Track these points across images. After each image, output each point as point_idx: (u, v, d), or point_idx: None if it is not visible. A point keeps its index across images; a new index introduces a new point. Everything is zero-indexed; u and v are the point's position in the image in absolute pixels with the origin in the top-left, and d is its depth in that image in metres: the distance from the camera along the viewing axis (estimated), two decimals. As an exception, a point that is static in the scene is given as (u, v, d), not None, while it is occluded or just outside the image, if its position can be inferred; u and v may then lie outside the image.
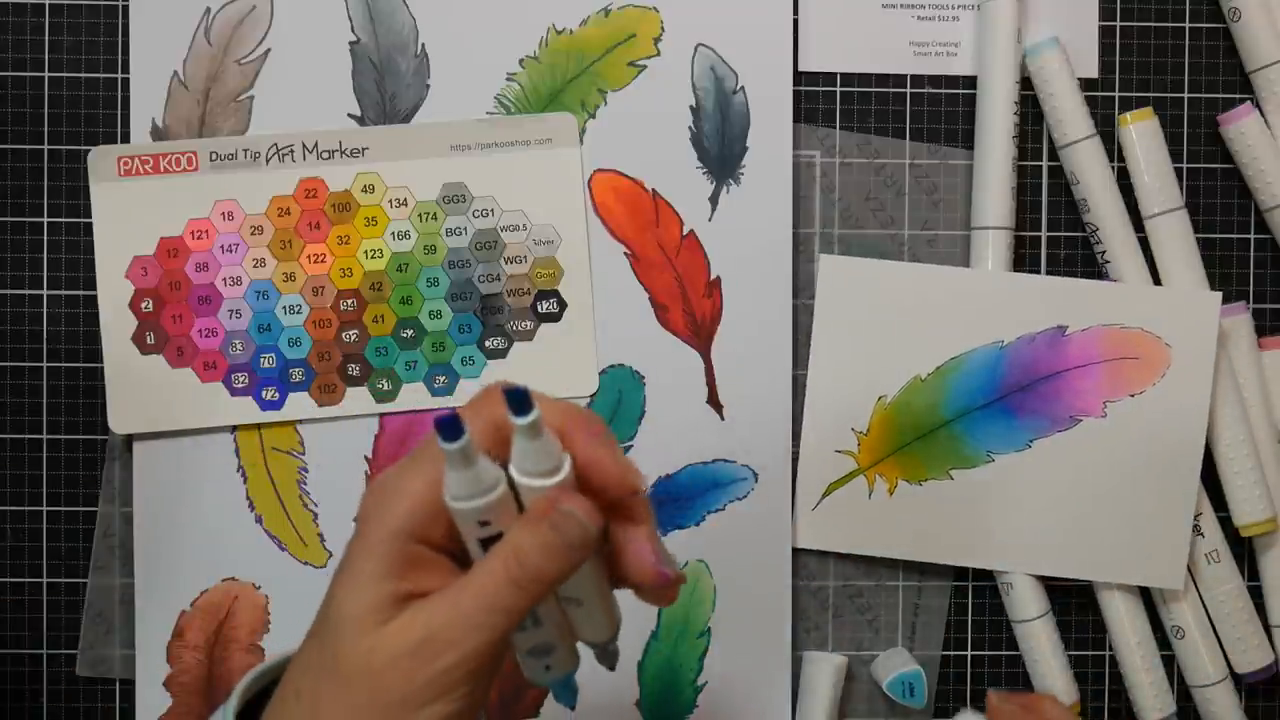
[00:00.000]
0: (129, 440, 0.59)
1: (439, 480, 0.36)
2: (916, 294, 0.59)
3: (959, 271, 0.60)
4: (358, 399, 0.59)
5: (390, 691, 0.36)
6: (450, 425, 0.34)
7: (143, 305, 0.59)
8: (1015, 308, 0.59)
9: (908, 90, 0.62)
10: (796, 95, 0.61)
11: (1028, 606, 0.60)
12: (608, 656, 0.42)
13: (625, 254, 0.60)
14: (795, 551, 0.60)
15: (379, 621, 0.36)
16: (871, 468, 0.60)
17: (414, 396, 0.59)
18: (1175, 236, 0.60)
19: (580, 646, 0.41)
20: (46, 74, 0.60)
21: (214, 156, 0.59)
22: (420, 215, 0.59)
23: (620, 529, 0.38)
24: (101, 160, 0.58)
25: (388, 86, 0.59)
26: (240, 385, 0.59)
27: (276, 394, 0.59)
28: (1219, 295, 0.59)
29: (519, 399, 0.35)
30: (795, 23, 0.60)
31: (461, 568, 0.38)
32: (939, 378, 0.59)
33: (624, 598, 0.40)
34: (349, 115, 0.59)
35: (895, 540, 0.60)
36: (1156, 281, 0.60)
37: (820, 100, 0.61)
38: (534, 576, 0.36)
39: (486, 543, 0.37)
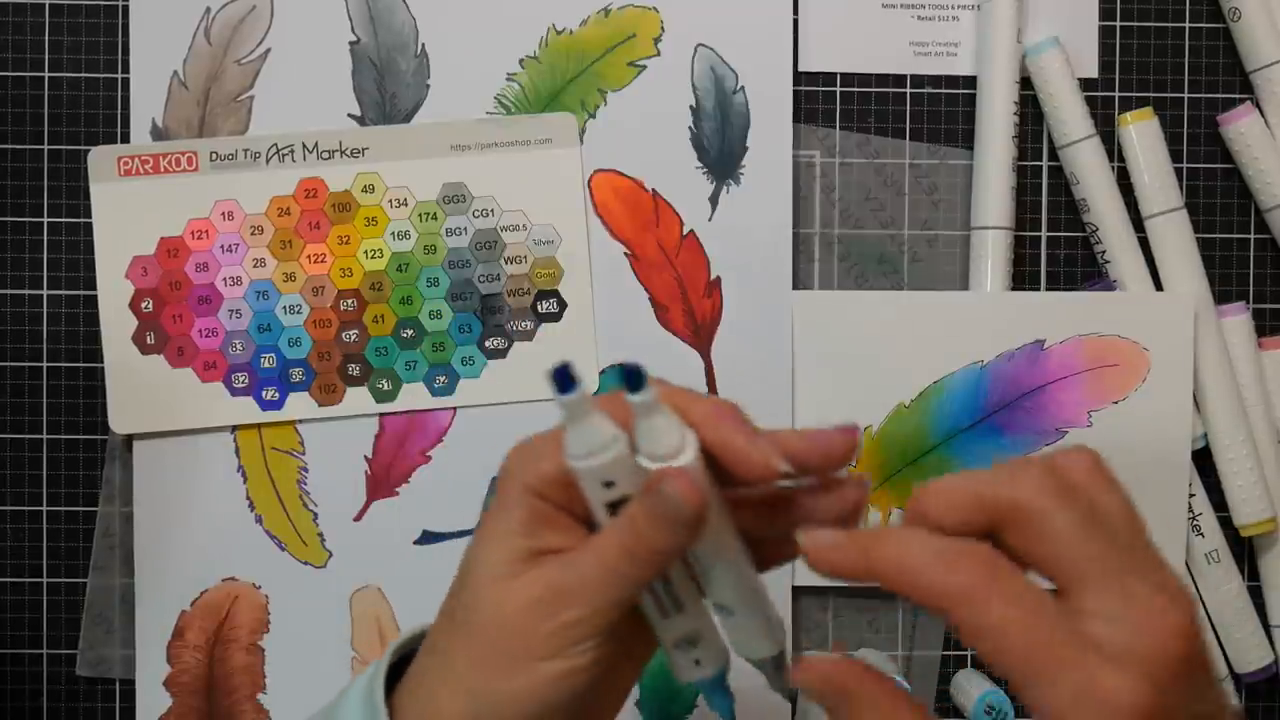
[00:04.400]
0: (129, 440, 0.59)
1: None
2: (892, 321, 0.59)
3: (932, 295, 0.60)
4: (358, 399, 0.59)
5: (514, 642, 0.37)
6: (563, 376, 0.33)
7: (143, 305, 0.59)
8: (992, 326, 0.59)
9: (908, 90, 0.61)
10: (796, 95, 0.61)
11: None
12: (777, 677, 0.40)
13: (625, 254, 0.60)
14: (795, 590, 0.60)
15: (509, 575, 0.37)
16: None
17: (414, 396, 0.59)
18: (1175, 237, 0.60)
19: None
20: (46, 74, 0.59)
21: (214, 156, 0.59)
22: (420, 215, 0.59)
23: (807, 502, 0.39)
24: (101, 160, 0.58)
25: (388, 86, 0.59)
26: (240, 385, 0.59)
27: (276, 394, 0.59)
28: (1190, 296, 0.59)
29: (632, 376, 0.34)
30: (795, 23, 0.60)
31: (593, 533, 0.38)
32: (922, 403, 0.59)
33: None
34: (349, 115, 0.59)
35: None
36: (1157, 282, 0.60)
37: (820, 100, 0.61)
38: (647, 545, 0.36)
39: (613, 508, 0.36)
